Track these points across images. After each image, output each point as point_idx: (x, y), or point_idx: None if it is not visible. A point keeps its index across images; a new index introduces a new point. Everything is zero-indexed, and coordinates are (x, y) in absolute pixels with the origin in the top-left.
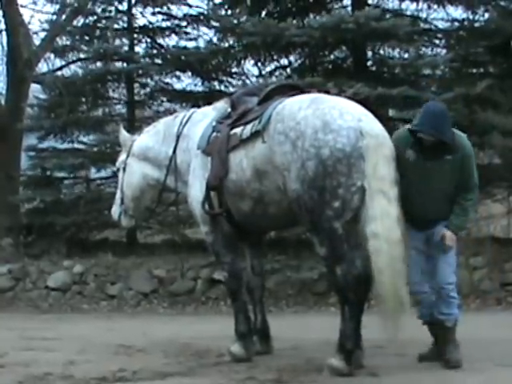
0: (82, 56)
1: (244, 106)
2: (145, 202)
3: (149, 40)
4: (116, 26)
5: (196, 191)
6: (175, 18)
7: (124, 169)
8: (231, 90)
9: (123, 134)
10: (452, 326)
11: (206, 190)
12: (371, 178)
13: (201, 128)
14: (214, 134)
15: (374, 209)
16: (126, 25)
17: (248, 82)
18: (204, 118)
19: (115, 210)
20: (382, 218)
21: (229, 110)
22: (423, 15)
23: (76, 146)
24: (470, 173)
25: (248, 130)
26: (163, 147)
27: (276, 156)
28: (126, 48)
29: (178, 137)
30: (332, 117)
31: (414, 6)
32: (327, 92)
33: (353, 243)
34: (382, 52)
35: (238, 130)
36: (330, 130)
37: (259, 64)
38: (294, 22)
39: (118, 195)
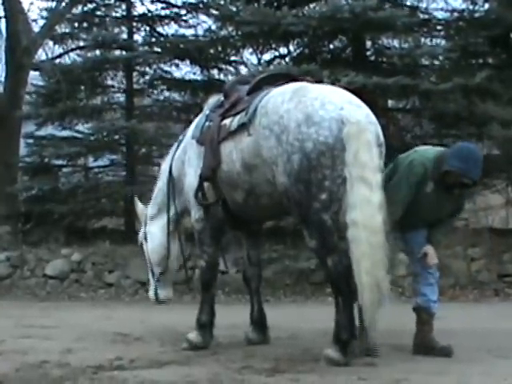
0: (80, 44)
1: (236, 94)
2: (174, 262)
3: (148, 28)
4: (115, 14)
5: (191, 179)
6: (174, 6)
7: (145, 239)
8: (230, 78)
9: (139, 206)
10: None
11: (199, 181)
12: (352, 165)
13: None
14: (207, 123)
15: (353, 197)
16: (124, 13)
17: (247, 70)
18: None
19: (151, 292)
20: (362, 206)
21: (222, 98)
22: (423, 5)
23: (74, 134)
24: (464, 203)
25: (236, 122)
26: (163, 177)
27: (263, 150)
28: (124, 36)
29: (174, 153)
30: (314, 108)
31: None
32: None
33: (343, 234)
34: (381, 42)
35: (227, 121)
36: (312, 122)
37: (258, 53)
38: (294, 11)
39: (148, 271)
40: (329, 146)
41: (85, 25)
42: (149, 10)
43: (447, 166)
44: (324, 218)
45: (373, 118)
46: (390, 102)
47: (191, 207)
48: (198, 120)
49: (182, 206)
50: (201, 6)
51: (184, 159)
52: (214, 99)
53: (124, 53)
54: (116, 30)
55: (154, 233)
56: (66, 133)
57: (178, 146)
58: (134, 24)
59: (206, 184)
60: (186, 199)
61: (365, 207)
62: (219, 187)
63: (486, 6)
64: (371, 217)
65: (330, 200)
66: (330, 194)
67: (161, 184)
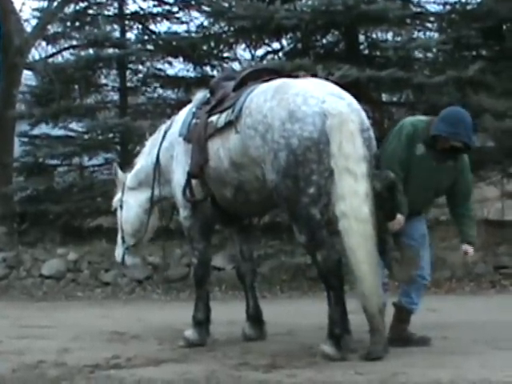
0: (73, 43)
1: (222, 90)
2: (147, 235)
3: (140, 26)
4: (107, 12)
5: (179, 176)
6: (166, 3)
7: (121, 207)
8: None
9: (119, 173)
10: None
11: (187, 178)
12: (337, 157)
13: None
14: (194, 120)
15: (341, 188)
16: (116, 11)
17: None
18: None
19: (118, 253)
20: (350, 197)
21: (208, 95)
22: None
23: (68, 133)
24: (470, 183)
25: (222, 119)
26: (149, 158)
27: (250, 149)
28: (117, 34)
29: (162, 139)
30: (296, 105)
31: None
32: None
33: (332, 228)
34: (374, 36)
35: (214, 118)
36: (296, 119)
37: (251, 48)
38: (286, 6)
39: (119, 235)
40: (314, 140)
41: (77, 24)
42: (141, 8)
43: (434, 130)
44: (312, 213)
45: (356, 105)
46: (384, 96)
47: (179, 205)
48: (184, 117)
49: (165, 194)
50: (193, 2)
51: (172, 154)
52: (200, 95)
53: (117, 51)
54: (108, 29)
55: (130, 204)
56: (60, 132)
57: (165, 135)
58: (127, 22)
59: (193, 181)
60: (174, 196)
61: (353, 198)
62: (207, 184)
63: None
64: (359, 207)
65: (318, 194)
66: (318, 188)
67: (144, 163)
